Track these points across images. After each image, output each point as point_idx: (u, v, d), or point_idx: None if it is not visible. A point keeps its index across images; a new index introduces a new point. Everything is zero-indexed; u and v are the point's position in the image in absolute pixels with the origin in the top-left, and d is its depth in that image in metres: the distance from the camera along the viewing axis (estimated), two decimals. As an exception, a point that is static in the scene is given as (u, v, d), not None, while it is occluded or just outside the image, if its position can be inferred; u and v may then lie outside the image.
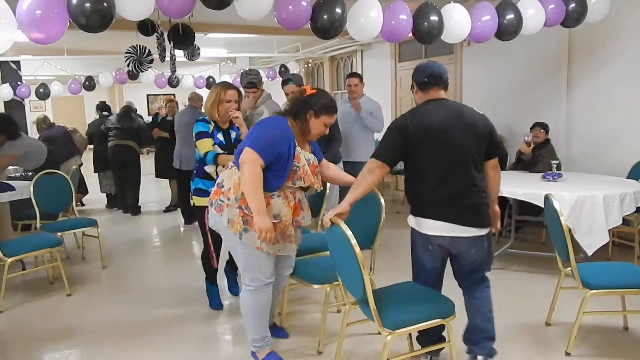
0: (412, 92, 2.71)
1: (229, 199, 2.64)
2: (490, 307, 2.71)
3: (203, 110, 3.59)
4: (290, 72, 9.44)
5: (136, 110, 7.77)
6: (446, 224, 2.51)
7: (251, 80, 4.13)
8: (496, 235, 5.32)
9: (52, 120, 7.43)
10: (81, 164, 7.12)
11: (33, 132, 10.25)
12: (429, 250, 2.63)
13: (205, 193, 3.33)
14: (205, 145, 3.36)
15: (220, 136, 3.42)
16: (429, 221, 2.55)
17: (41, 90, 9.49)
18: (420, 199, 2.59)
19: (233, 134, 3.50)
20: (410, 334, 2.81)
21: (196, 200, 3.49)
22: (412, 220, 2.66)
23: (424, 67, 2.66)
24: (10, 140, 5.08)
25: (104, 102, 8.28)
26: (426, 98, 2.62)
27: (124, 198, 7.42)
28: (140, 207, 7.45)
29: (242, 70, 4.51)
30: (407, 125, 2.50)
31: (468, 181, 2.51)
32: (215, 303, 3.78)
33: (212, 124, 3.43)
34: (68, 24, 3.15)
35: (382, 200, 3.04)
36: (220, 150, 3.38)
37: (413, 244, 2.71)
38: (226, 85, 3.46)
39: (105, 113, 7.84)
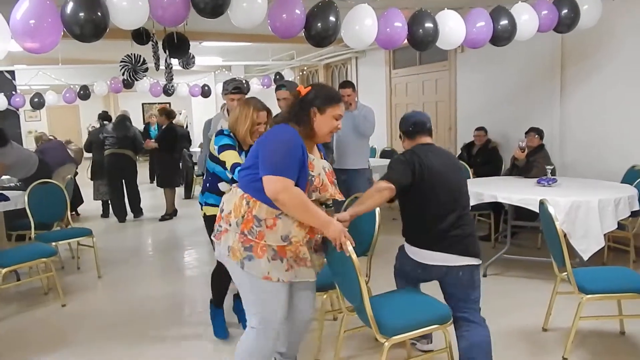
0: (401, 140, 2.90)
1: (229, 224, 2.31)
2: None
3: (227, 126, 3.21)
4: (285, 80, 9.44)
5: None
6: (444, 254, 2.61)
7: (237, 86, 3.90)
8: (492, 240, 5.34)
9: (48, 133, 7.45)
10: (76, 174, 7.10)
11: (27, 142, 10.25)
12: (414, 271, 2.77)
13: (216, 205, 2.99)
14: (232, 157, 3.02)
15: (242, 157, 3.06)
16: (425, 252, 2.66)
17: (36, 99, 9.45)
18: (420, 232, 2.69)
19: None
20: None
21: (207, 210, 3.20)
22: (409, 249, 2.75)
23: (408, 116, 2.87)
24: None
25: (106, 111, 8.37)
26: (413, 145, 2.78)
27: (119, 206, 7.41)
28: (136, 210, 7.52)
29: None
30: (419, 165, 2.63)
31: (460, 215, 2.66)
32: (220, 331, 3.40)
33: (237, 142, 3.14)
34: (62, 33, 3.15)
35: (378, 207, 3.04)
36: None
37: (400, 256, 2.89)
38: (258, 107, 3.15)
39: (105, 122, 7.87)
